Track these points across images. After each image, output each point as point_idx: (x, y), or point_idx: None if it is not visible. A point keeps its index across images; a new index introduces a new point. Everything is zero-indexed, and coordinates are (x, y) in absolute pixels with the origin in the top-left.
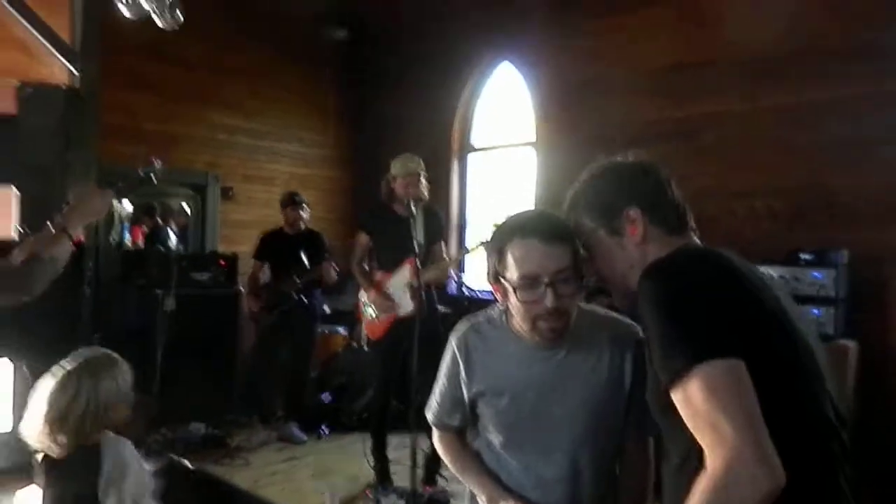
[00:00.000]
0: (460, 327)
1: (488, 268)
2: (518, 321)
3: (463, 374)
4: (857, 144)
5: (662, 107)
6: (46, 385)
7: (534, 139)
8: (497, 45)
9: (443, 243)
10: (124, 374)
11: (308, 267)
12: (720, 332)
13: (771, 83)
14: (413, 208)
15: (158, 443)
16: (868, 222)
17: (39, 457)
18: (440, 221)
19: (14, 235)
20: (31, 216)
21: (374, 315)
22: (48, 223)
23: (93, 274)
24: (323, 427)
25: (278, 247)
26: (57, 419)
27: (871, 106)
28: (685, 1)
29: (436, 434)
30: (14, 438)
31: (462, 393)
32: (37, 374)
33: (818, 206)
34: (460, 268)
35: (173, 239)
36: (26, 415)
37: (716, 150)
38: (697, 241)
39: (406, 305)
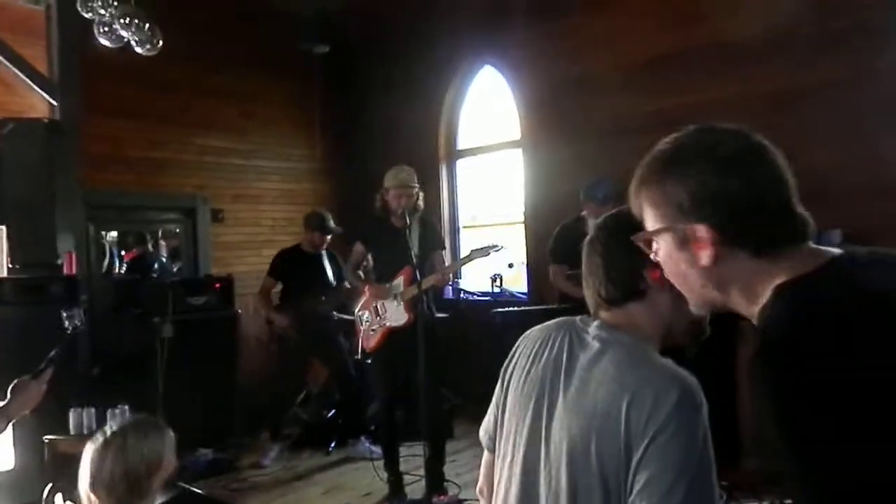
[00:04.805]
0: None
1: None
2: (685, 313)
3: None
4: (843, 126)
5: (648, 99)
6: (91, 447)
7: (519, 138)
8: (477, 49)
9: (442, 252)
10: (167, 437)
11: (334, 286)
12: (863, 480)
13: (756, 69)
14: (408, 219)
15: None
16: (857, 202)
17: (45, 491)
18: (436, 230)
19: (4, 273)
20: (22, 252)
21: (369, 325)
22: None
23: (87, 305)
24: (331, 443)
25: (299, 266)
26: (98, 480)
27: (854, 87)
28: None
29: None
30: (17, 477)
31: None
32: (38, 413)
33: (809, 190)
34: (456, 275)
35: (157, 265)
36: (79, 477)
37: None
38: (810, 256)
39: (398, 317)
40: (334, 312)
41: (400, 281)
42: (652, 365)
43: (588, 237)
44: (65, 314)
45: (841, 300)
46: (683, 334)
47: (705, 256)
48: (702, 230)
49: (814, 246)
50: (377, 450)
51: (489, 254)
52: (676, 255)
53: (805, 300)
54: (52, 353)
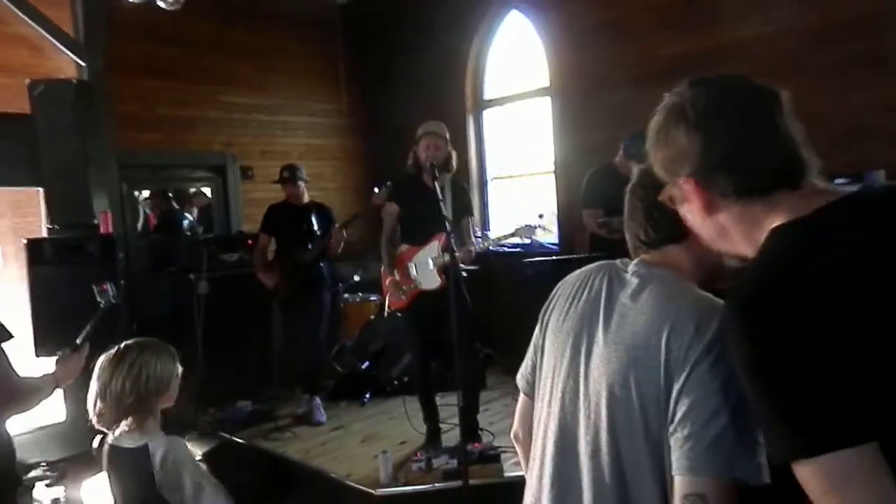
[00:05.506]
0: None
1: None
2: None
3: None
4: (881, 61)
5: (680, 41)
6: (104, 358)
7: (548, 86)
8: None
9: (470, 219)
10: (177, 365)
11: (319, 235)
12: (840, 409)
13: (790, 4)
14: (438, 177)
15: (208, 423)
16: None
17: (96, 442)
18: (467, 196)
19: (44, 233)
20: (59, 213)
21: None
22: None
23: (124, 264)
24: (366, 394)
25: (286, 219)
26: (110, 390)
27: (892, 21)
28: None
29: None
30: (68, 429)
31: None
32: (84, 370)
33: (849, 129)
34: (485, 226)
35: (187, 223)
36: (90, 387)
37: None
38: (815, 197)
39: (431, 281)
40: (321, 265)
41: (435, 246)
42: (692, 296)
43: (630, 184)
44: (96, 289)
45: (821, 249)
46: (727, 278)
47: (698, 207)
48: (685, 183)
49: (825, 186)
50: (323, 417)
51: (534, 232)
52: (685, 210)
53: (788, 246)
54: (87, 328)
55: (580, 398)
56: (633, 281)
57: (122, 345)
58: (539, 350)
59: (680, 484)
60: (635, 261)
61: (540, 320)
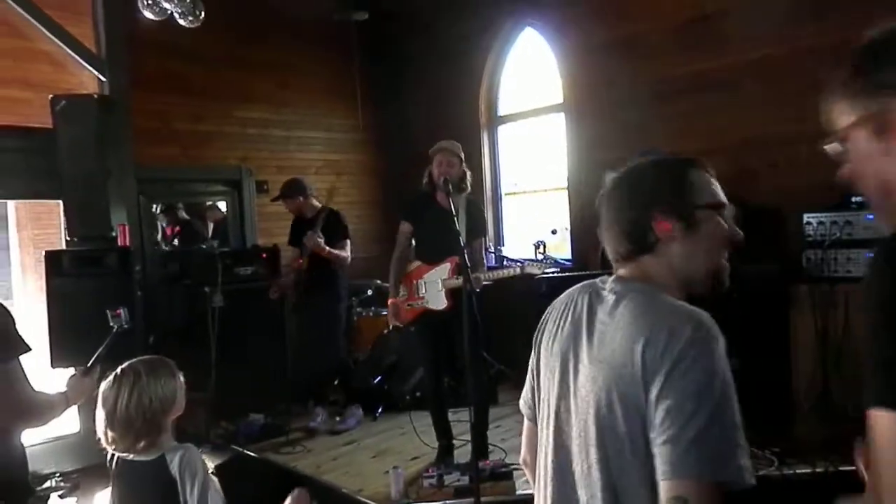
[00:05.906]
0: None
1: (669, 203)
2: (700, 263)
3: None
4: None
5: (694, 58)
6: (105, 386)
7: (561, 102)
8: (518, 10)
9: (483, 239)
10: (178, 377)
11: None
12: None
13: (807, 24)
14: (453, 198)
15: (220, 436)
16: None
17: (109, 457)
18: (481, 215)
19: (62, 245)
20: (78, 225)
21: (404, 300)
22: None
23: (141, 277)
24: (378, 409)
25: (298, 232)
26: (115, 417)
27: None
28: None
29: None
30: (82, 440)
31: None
32: (99, 382)
33: None
34: (499, 241)
35: (206, 234)
36: (96, 414)
37: (756, 98)
38: None
39: (439, 301)
40: (324, 270)
41: (446, 268)
42: (665, 306)
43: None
44: (110, 314)
45: None
46: (701, 285)
47: None
48: None
49: None
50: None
51: (543, 270)
52: (871, 148)
53: None
54: (99, 350)
55: (572, 418)
56: (610, 298)
57: (119, 370)
58: (535, 374)
59: (663, 489)
60: (612, 278)
61: (533, 344)
